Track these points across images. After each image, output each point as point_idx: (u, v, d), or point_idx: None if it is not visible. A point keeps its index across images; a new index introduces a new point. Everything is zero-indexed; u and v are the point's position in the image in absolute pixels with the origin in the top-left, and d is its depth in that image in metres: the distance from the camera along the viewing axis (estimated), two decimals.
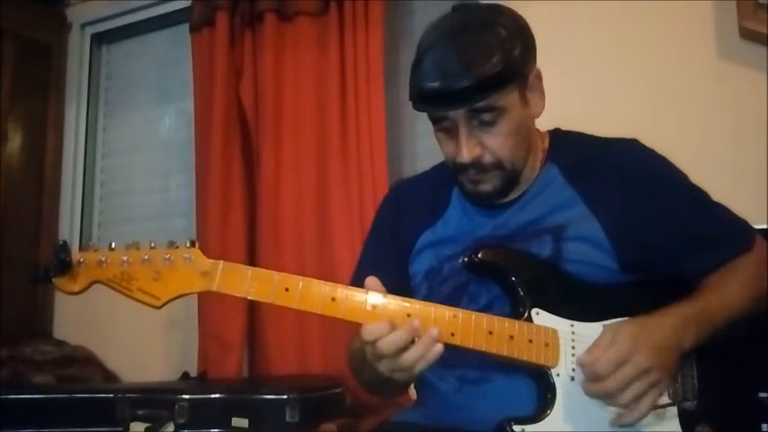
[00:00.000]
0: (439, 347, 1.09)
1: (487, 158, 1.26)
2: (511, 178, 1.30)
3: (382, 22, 2.69)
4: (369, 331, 1.09)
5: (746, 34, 2.16)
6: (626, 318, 1.19)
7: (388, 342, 1.07)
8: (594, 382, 1.11)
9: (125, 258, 1.14)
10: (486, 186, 1.29)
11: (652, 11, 2.31)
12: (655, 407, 1.13)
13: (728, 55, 2.21)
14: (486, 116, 1.23)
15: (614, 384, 1.09)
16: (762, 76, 2.13)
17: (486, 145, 1.25)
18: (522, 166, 1.31)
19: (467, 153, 1.24)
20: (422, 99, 1.25)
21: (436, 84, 1.21)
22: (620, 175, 1.29)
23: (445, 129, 1.27)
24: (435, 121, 1.28)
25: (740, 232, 1.30)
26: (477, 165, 1.26)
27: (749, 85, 2.15)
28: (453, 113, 1.23)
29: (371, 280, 1.16)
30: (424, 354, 1.08)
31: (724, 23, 2.21)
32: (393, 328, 1.08)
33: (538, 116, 1.33)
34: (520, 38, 1.25)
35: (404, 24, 2.91)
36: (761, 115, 2.09)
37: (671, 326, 1.14)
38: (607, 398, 1.12)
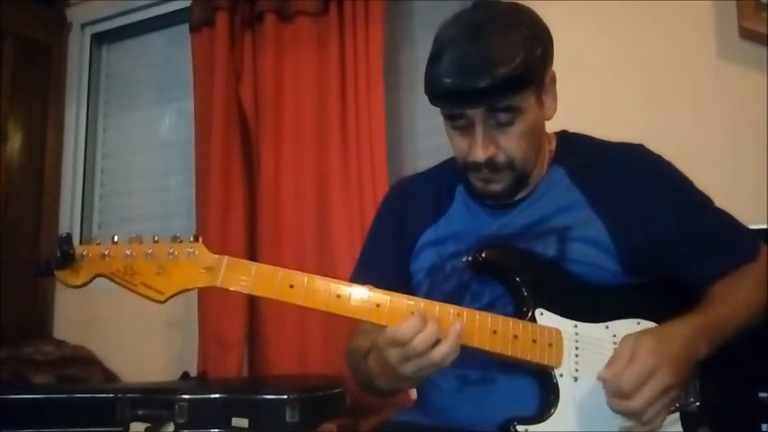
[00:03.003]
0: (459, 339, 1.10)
1: (501, 158, 1.25)
2: (521, 179, 1.29)
3: (382, 22, 2.69)
4: (404, 331, 1.08)
5: (746, 34, 2.16)
6: (638, 320, 1.19)
7: (424, 339, 1.07)
8: (620, 398, 1.09)
9: (128, 252, 1.14)
10: (497, 186, 1.28)
11: (652, 11, 2.30)
12: None
13: (728, 55, 2.21)
14: (504, 117, 1.22)
15: (640, 403, 1.07)
16: (762, 76, 2.12)
17: (500, 145, 1.24)
18: (532, 168, 1.31)
19: (482, 152, 1.23)
20: (440, 95, 1.24)
21: (457, 81, 1.19)
22: (625, 178, 1.29)
23: (460, 127, 1.26)
24: (450, 118, 1.26)
25: (746, 239, 1.31)
26: (490, 164, 1.25)
27: (749, 85, 2.14)
28: (471, 112, 1.22)
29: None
30: (453, 348, 1.08)
31: (724, 23, 2.21)
32: (425, 322, 1.08)
33: (550, 119, 1.32)
34: (541, 39, 1.24)
35: (404, 24, 2.90)
36: (761, 115, 2.09)
37: (685, 338, 1.13)
38: (632, 416, 1.10)
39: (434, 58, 1.24)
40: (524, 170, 1.29)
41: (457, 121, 1.26)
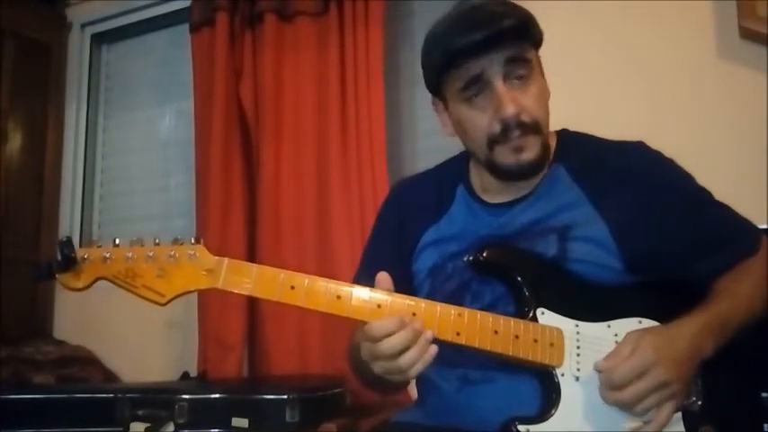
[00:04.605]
0: (434, 349, 1.09)
1: (527, 117, 1.25)
2: (545, 150, 1.30)
3: (382, 23, 2.69)
4: (377, 328, 1.09)
5: (746, 34, 2.16)
6: (640, 319, 1.19)
7: (391, 344, 1.07)
8: (611, 390, 1.11)
9: (129, 255, 1.14)
10: (530, 154, 1.27)
11: (652, 11, 2.31)
12: None
13: (729, 55, 2.21)
14: (521, 69, 1.25)
15: (630, 395, 1.09)
16: (762, 76, 2.13)
17: (522, 104, 1.25)
18: (549, 145, 1.32)
19: (512, 104, 1.23)
20: (458, 53, 1.24)
21: (475, 31, 1.21)
22: (626, 176, 1.29)
23: (477, 97, 1.26)
24: (467, 85, 1.27)
25: (748, 234, 1.30)
26: (520, 123, 1.25)
27: (749, 85, 2.15)
28: (489, 71, 1.23)
29: (382, 275, 1.15)
30: (420, 356, 1.08)
31: (724, 23, 2.21)
32: (402, 325, 1.08)
33: (547, 98, 1.33)
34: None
35: (404, 24, 2.91)
36: (761, 115, 2.09)
37: (689, 336, 1.14)
38: (622, 407, 1.12)
39: (432, 39, 1.29)
40: (547, 141, 1.30)
41: (473, 89, 1.26)
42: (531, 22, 1.27)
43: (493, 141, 1.27)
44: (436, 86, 1.35)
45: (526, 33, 1.26)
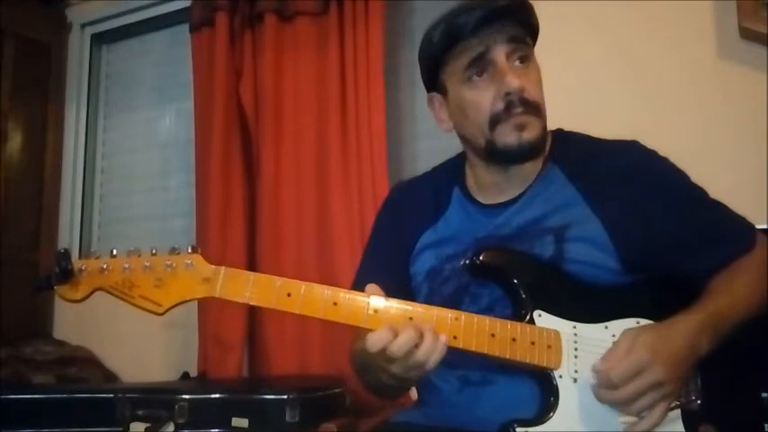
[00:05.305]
0: (443, 338, 1.10)
1: (529, 96, 1.26)
2: (544, 134, 1.30)
3: (382, 22, 2.69)
4: (373, 342, 1.08)
5: (746, 34, 2.16)
6: (638, 319, 1.19)
7: (399, 345, 1.07)
8: (607, 389, 1.11)
9: (126, 265, 1.15)
10: (531, 134, 1.27)
11: (652, 11, 2.30)
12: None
13: (728, 55, 2.21)
14: (523, 51, 1.28)
15: (626, 394, 1.09)
16: (762, 76, 2.12)
17: (525, 83, 1.26)
18: (547, 133, 1.33)
19: (516, 78, 1.25)
20: (461, 29, 1.26)
21: (477, 9, 1.25)
22: (621, 175, 1.29)
23: (479, 73, 1.28)
24: (471, 63, 1.28)
25: (742, 231, 1.30)
26: (523, 100, 1.26)
27: (749, 84, 2.14)
28: (493, 48, 1.26)
29: (371, 287, 1.15)
30: (434, 346, 1.08)
31: (724, 23, 2.21)
32: (395, 332, 1.08)
33: None
34: None
35: (404, 24, 2.91)
36: (761, 115, 2.09)
37: (686, 335, 1.13)
38: (617, 406, 1.12)
39: (431, 31, 1.31)
40: (545, 127, 1.31)
41: (476, 67, 1.27)
42: (530, 7, 1.31)
43: (495, 121, 1.28)
44: (435, 74, 1.36)
45: (526, 17, 1.30)
